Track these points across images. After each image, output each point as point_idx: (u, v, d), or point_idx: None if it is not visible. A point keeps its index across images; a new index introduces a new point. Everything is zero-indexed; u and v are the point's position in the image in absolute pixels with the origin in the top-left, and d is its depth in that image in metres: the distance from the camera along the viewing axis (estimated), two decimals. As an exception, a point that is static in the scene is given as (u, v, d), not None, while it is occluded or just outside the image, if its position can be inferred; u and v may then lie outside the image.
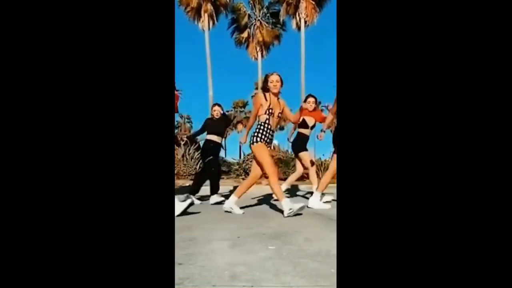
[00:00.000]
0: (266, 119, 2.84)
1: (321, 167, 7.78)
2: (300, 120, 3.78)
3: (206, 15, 15.07)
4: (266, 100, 2.83)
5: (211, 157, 3.91)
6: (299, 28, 15.39)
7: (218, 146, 4.01)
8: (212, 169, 3.93)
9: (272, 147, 2.94)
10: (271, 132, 2.85)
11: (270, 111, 2.81)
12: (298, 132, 4.00)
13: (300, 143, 3.95)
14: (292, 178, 4.22)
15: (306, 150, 4.00)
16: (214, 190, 3.94)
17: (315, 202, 3.16)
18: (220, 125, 4.03)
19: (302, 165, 4.03)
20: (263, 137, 2.81)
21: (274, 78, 2.82)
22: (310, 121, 3.94)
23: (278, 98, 2.89)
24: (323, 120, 3.91)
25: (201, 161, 7.38)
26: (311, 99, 3.92)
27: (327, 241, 1.59)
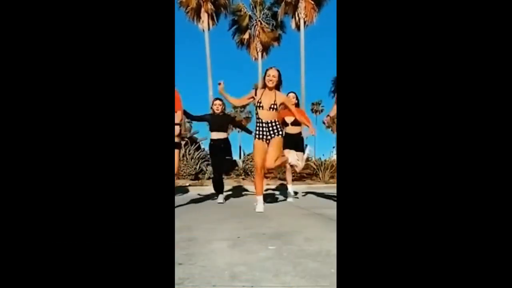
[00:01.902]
0: (256, 113, 3.03)
1: (321, 167, 7.77)
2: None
3: (206, 15, 15.06)
4: (256, 94, 2.99)
5: (223, 156, 3.81)
6: (298, 28, 15.38)
7: (226, 143, 3.88)
8: (225, 168, 3.89)
9: (268, 140, 2.99)
10: (262, 125, 2.98)
11: (259, 104, 2.94)
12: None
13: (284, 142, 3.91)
14: (288, 177, 4.16)
15: (291, 148, 3.87)
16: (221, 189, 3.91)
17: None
18: (223, 121, 3.90)
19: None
20: (256, 132, 3.02)
21: (270, 72, 2.95)
22: (288, 118, 3.90)
23: (275, 92, 2.96)
24: (300, 117, 3.91)
25: (201, 161, 7.41)
26: (291, 94, 3.87)
27: (327, 241, 1.59)
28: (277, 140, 2.96)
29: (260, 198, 3.02)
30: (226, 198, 4.05)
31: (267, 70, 3.01)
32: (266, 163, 2.95)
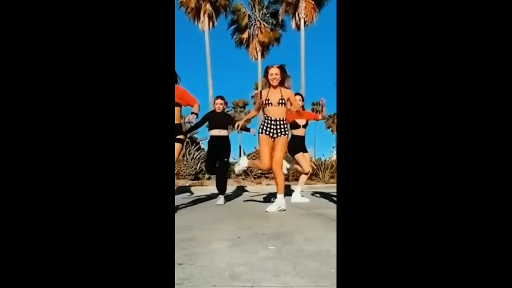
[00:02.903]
0: (263, 111, 3.02)
1: (321, 167, 7.77)
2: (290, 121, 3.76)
3: (205, 16, 15.07)
4: (262, 95, 2.99)
5: (224, 153, 3.78)
6: (298, 28, 15.38)
7: (226, 140, 3.85)
8: (226, 166, 3.87)
9: (277, 136, 2.97)
10: (270, 122, 2.96)
11: (267, 101, 2.93)
12: (292, 134, 3.91)
13: (294, 145, 3.86)
14: (302, 179, 4.10)
15: (301, 151, 3.91)
16: (223, 189, 3.87)
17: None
18: (224, 119, 3.87)
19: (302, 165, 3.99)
20: (263, 128, 2.97)
21: (272, 71, 2.93)
22: (300, 120, 3.90)
23: (280, 89, 2.96)
24: (312, 117, 4.05)
25: (201, 161, 7.41)
26: (297, 97, 3.86)
27: (327, 241, 1.59)
28: (283, 140, 2.96)
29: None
30: (226, 198, 4.04)
31: (267, 69, 2.97)
32: (273, 161, 2.91)
